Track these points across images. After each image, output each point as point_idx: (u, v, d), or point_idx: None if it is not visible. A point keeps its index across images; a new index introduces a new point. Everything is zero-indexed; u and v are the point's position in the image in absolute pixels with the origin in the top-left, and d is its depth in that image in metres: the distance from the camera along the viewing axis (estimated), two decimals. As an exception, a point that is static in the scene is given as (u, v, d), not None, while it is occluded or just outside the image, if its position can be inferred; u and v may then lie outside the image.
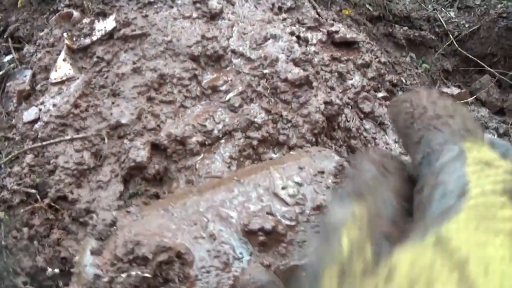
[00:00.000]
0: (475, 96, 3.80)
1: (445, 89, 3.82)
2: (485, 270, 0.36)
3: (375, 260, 0.44)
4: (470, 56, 3.95)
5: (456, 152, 0.49)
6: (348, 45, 3.28)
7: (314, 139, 2.64)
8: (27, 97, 2.74)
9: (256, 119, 2.57)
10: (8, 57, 2.99)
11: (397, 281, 0.39)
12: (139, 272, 1.01)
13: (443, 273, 0.37)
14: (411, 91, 0.67)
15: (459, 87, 3.92)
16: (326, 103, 2.71)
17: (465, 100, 3.75)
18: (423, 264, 0.39)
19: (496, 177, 0.44)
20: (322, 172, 1.87)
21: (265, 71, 2.72)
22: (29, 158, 2.45)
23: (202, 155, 2.52)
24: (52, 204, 2.39)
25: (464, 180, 0.44)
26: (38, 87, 2.72)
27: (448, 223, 0.41)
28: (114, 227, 1.24)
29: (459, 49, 3.97)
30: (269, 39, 2.86)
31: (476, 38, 4.01)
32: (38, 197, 2.39)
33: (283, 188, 1.34)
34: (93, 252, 1.06)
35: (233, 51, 2.80)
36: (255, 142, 2.56)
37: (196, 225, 1.25)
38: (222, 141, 2.56)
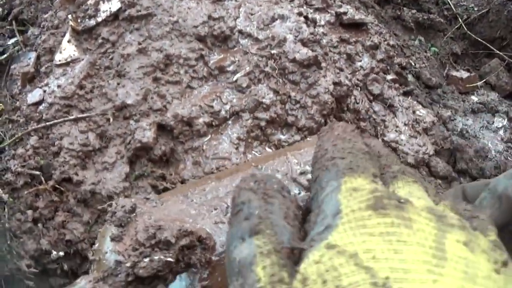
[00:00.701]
0: (484, 80, 3.76)
1: (454, 73, 3.78)
2: (373, 257, 0.47)
3: (291, 281, 0.50)
4: (479, 39, 3.91)
5: (334, 187, 0.56)
6: (357, 26, 3.24)
7: (323, 120, 2.61)
8: (31, 79, 2.71)
9: (264, 100, 2.54)
10: (12, 40, 2.96)
11: (311, 281, 0.48)
12: (162, 257, 0.97)
13: (343, 266, 0.47)
14: (327, 129, 0.75)
15: (468, 70, 3.88)
16: (335, 83, 2.67)
17: (474, 84, 3.71)
18: (326, 264, 0.47)
19: (361, 198, 0.52)
20: None
21: (273, 51, 2.69)
22: (33, 140, 2.42)
23: (209, 136, 2.49)
24: (57, 186, 2.37)
25: (337, 204, 0.53)
26: (42, 69, 2.69)
27: (331, 235, 0.50)
28: (134, 214, 1.20)
29: (468, 32, 3.92)
30: (276, 19, 2.82)
31: (485, 22, 3.96)
32: (43, 179, 2.36)
33: (301, 173, 1.31)
34: (113, 239, 1.03)
35: (240, 32, 2.76)
36: (263, 123, 2.52)
37: (216, 210, 1.22)
38: (230, 122, 2.53)
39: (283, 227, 0.56)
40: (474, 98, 3.67)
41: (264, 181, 0.63)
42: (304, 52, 2.66)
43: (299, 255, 0.53)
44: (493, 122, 3.47)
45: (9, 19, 3.08)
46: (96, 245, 0.87)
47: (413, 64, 3.57)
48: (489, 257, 0.51)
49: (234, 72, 2.63)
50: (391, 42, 3.41)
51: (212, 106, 2.51)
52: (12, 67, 2.81)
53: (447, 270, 0.47)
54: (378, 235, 0.48)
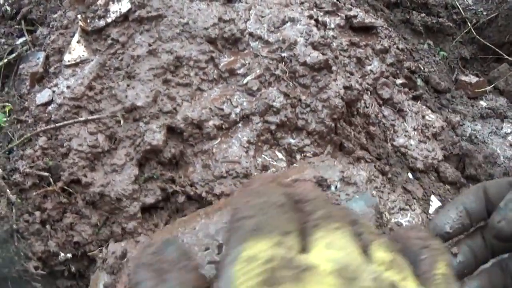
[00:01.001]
0: (493, 85, 3.75)
1: (463, 77, 3.77)
2: None
3: None
4: (488, 44, 3.90)
5: (233, 255, 0.51)
6: (367, 30, 3.23)
7: (333, 124, 2.59)
8: (40, 79, 2.70)
9: (274, 103, 2.53)
10: (21, 40, 2.94)
11: None
12: None
13: None
14: (246, 183, 0.70)
15: (477, 75, 3.88)
16: (345, 87, 2.66)
17: (483, 89, 3.70)
18: None
19: (256, 271, 0.47)
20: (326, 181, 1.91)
21: (283, 54, 2.67)
22: (42, 140, 2.41)
23: (219, 139, 2.47)
24: (65, 187, 2.35)
25: (230, 279, 0.48)
26: (51, 70, 2.68)
27: None
28: (125, 259, 1.17)
29: (477, 37, 3.91)
30: (287, 22, 2.80)
31: (494, 26, 3.95)
32: (51, 180, 2.35)
33: None
34: (106, 287, 1.00)
35: (251, 34, 2.74)
36: (273, 127, 2.51)
37: (208, 250, 1.19)
38: (240, 125, 2.52)
39: None
40: (483, 103, 3.66)
41: (161, 251, 0.60)
42: (314, 56, 2.64)
43: None
44: (502, 128, 3.46)
45: (17, 19, 3.06)
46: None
47: (422, 68, 3.56)
48: None
49: (245, 75, 2.61)
50: (400, 46, 3.40)
51: (222, 109, 2.50)
52: (21, 67, 2.79)
53: None
54: None
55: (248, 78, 2.60)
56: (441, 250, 0.57)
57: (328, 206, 0.58)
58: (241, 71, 2.63)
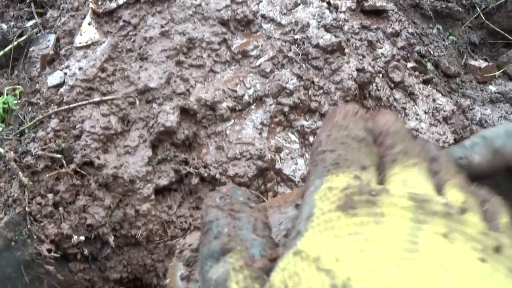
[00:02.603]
0: (502, 69, 3.73)
1: (472, 62, 3.76)
2: (336, 259, 0.45)
3: None
4: (497, 29, 3.88)
5: (315, 186, 0.53)
6: (378, 13, 3.21)
7: (346, 107, 2.58)
8: (50, 61, 2.68)
9: (287, 85, 2.52)
10: (31, 22, 2.92)
11: None
12: None
13: (305, 271, 0.45)
14: (329, 114, 0.67)
15: (486, 60, 3.86)
16: (358, 70, 2.65)
17: (492, 74, 3.68)
18: (289, 270, 0.47)
19: (333, 198, 0.50)
20: None
21: (296, 36, 2.66)
22: (54, 122, 2.39)
23: (232, 120, 2.46)
24: (78, 169, 2.34)
25: (311, 206, 0.51)
26: (62, 52, 2.66)
27: (300, 240, 0.48)
28: None
29: (486, 22, 3.89)
30: (299, 4, 2.79)
31: (503, 11, 3.93)
32: (64, 162, 2.33)
33: None
34: (183, 278, 0.98)
35: (263, 16, 2.73)
36: (286, 109, 2.50)
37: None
38: (253, 106, 2.51)
39: (253, 241, 0.55)
40: (492, 88, 3.65)
41: (229, 195, 0.61)
42: (327, 38, 2.63)
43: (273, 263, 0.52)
44: (511, 113, 3.45)
45: (27, 1, 3.04)
46: (167, 280, 0.83)
47: (431, 52, 3.54)
48: (476, 244, 0.48)
49: (257, 57, 2.60)
50: (410, 30, 3.39)
51: (235, 91, 2.49)
52: (31, 49, 2.77)
53: (417, 262, 0.45)
54: (345, 236, 0.47)
55: (261, 60, 2.59)
56: (502, 203, 0.57)
57: (407, 141, 0.58)
58: (254, 53, 2.61)
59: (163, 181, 2.35)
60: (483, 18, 3.89)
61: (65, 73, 2.53)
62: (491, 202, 0.56)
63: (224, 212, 0.59)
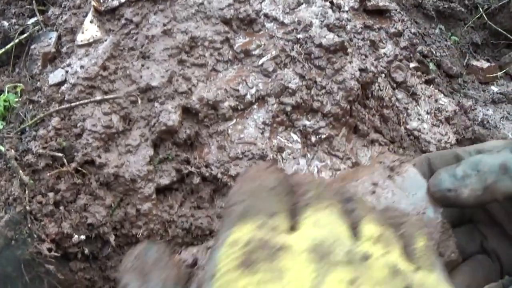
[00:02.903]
0: (504, 70, 3.73)
1: (474, 62, 3.75)
2: None
3: None
4: (499, 29, 3.88)
5: (221, 240, 0.52)
6: (380, 13, 3.20)
7: (348, 107, 2.58)
8: (52, 59, 2.67)
9: (290, 85, 2.51)
10: (33, 20, 2.91)
11: None
12: None
13: None
14: (243, 172, 0.68)
15: (488, 60, 3.86)
16: (361, 70, 2.64)
17: (494, 74, 3.68)
18: None
19: (234, 254, 0.48)
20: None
21: (298, 36, 2.65)
22: (55, 121, 2.38)
23: (234, 120, 2.46)
24: (79, 168, 2.33)
25: (215, 264, 0.49)
26: (63, 50, 2.65)
27: None
28: (196, 267, 1.13)
29: (489, 22, 3.89)
30: (302, 3, 2.78)
31: (506, 12, 3.93)
32: (65, 161, 2.32)
33: None
34: None
35: (266, 15, 2.72)
36: (288, 108, 2.50)
37: None
38: (255, 106, 2.50)
39: None
40: (494, 88, 3.65)
41: (142, 255, 0.61)
42: (330, 37, 2.62)
43: None
44: (514, 113, 3.45)
45: (28, -1, 3.03)
46: None
47: (434, 52, 3.54)
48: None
49: (260, 56, 2.59)
50: (413, 30, 3.38)
51: (237, 90, 2.48)
52: (32, 47, 2.76)
53: None
54: None
55: (264, 59, 2.58)
56: (419, 225, 0.57)
57: (320, 187, 0.58)
58: (256, 52, 2.61)
59: (165, 181, 2.34)
60: (486, 18, 3.89)
61: (67, 71, 2.52)
62: (407, 224, 0.57)
63: (135, 275, 0.59)
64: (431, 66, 3.43)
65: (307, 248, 0.48)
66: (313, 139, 2.53)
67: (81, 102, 2.39)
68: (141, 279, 0.58)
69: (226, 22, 2.66)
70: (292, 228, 0.52)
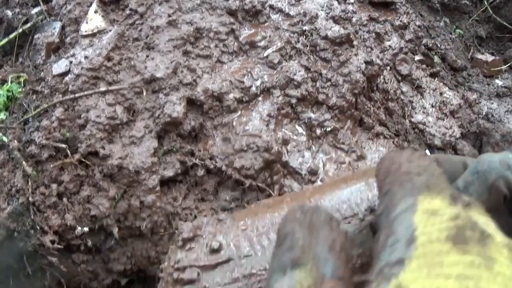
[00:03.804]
0: (509, 64, 3.72)
1: (479, 56, 3.74)
2: None
3: None
4: (504, 23, 3.86)
5: (409, 204, 0.51)
6: (386, 5, 3.19)
7: (353, 99, 2.56)
8: (56, 49, 2.65)
9: (295, 77, 2.49)
10: (36, 9, 2.89)
11: None
12: None
13: None
14: (397, 150, 0.66)
15: (492, 54, 3.84)
16: (367, 62, 2.62)
17: (499, 68, 3.67)
18: None
19: (440, 225, 0.47)
20: None
21: (304, 27, 2.64)
22: (59, 111, 2.36)
23: (239, 112, 2.44)
24: (83, 159, 2.31)
25: (411, 228, 0.48)
26: (67, 40, 2.63)
27: (403, 272, 0.44)
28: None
29: (494, 15, 3.88)
30: (307, -5, 2.76)
31: (511, 5, 3.92)
32: (68, 152, 2.31)
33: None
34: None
35: (272, 7, 2.70)
36: (293, 100, 2.48)
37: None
38: (260, 98, 2.48)
39: (326, 260, 0.53)
40: (499, 82, 3.63)
41: (311, 212, 0.60)
42: (336, 30, 2.61)
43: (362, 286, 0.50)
44: (518, 107, 3.43)
45: (32, -12, 3.01)
46: (165, 264, 0.81)
47: (438, 45, 3.52)
48: None
49: (265, 48, 2.58)
50: (418, 23, 3.36)
51: (242, 82, 2.46)
52: (36, 37, 2.75)
53: None
54: (455, 278, 0.43)
55: (269, 51, 2.56)
56: None
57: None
58: (261, 43, 2.59)
59: (169, 173, 2.32)
60: (491, 11, 3.88)
61: (71, 62, 2.50)
62: None
63: (302, 227, 0.57)
64: (436, 59, 3.42)
65: (505, 244, 0.47)
66: (318, 131, 2.52)
67: (85, 93, 2.37)
68: (308, 232, 0.57)
69: (232, 13, 2.64)
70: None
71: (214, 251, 0.78)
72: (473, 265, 0.43)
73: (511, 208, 0.70)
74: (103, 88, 2.38)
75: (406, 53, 3.06)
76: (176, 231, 0.82)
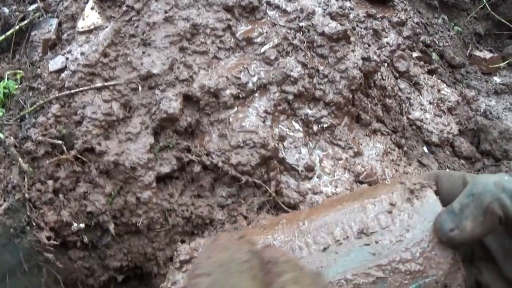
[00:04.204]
0: (507, 61, 3.71)
1: (477, 53, 3.74)
2: None
3: None
4: (502, 20, 3.86)
5: None
6: (383, 2, 3.19)
7: (351, 96, 2.56)
8: (52, 46, 2.65)
9: (292, 73, 2.49)
10: (33, 6, 2.88)
11: None
12: None
13: None
14: (212, 238, 0.65)
15: (490, 51, 3.84)
16: (364, 59, 2.62)
17: (497, 65, 3.66)
18: None
19: None
20: None
21: (301, 24, 2.63)
22: (55, 108, 2.36)
23: (235, 108, 2.44)
24: (79, 156, 2.31)
25: None
26: (64, 36, 2.63)
27: None
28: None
29: (492, 13, 3.87)
30: (304, -9, 2.76)
31: (509, 3, 3.92)
32: (64, 148, 2.30)
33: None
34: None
35: (268, 3, 2.70)
36: (290, 97, 2.48)
37: None
38: (257, 94, 2.48)
39: None
40: (497, 79, 3.63)
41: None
42: (333, 26, 2.60)
43: None
44: (516, 104, 3.43)
45: (29, -15, 3.01)
46: (164, 283, 0.82)
47: (436, 42, 3.52)
48: None
49: (262, 44, 2.57)
50: (416, 20, 3.36)
51: (239, 78, 2.46)
52: (32, 33, 2.74)
53: None
54: None
55: (266, 47, 2.56)
56: None
57: (297, 270, 0.56)
58: (258, 40, 2.59)
59: (165, 169, 2.32)
60: (489, 9, 3.88)
61: (67, 58, 2.50)
62: None
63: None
64: (434, 56, 3.42)
65: None
66: (315, 128, 2.52)
67: (81, 89, 2.37)
68: None
69: (228, 9, 2.64)
70: None
71: None
72: None
73: (507, 229, 0.70)
74: (99, 84, 2.38)
75: (403, 50, 3.06)
76: (174, 252, 0.82)
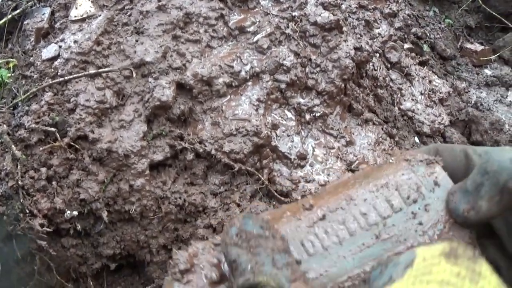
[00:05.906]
0: (498, 54, 3.73)
1: (468, 45, 3.75)
2: None
3: None
4: (493, 13, 3.87)
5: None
6: (375, -7, 3.20)
7: (343, 85, 2.57)
8: (45, 35, 2.65)
9: (284, 62, 2.50)
10: (26, -5, 2.89)
11: None
12: None
13: None
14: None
15: (481, 44, 3.86)
16: (356, 48, 2.63)
17: (488, 57, 3.68)
18: None
19: (436, 248, 0.51)
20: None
21: (294, 13, 2.64)
22: (48, 96, 2.36)
23: (228, 96, 2.44)
24: (72, 143, 2.31)
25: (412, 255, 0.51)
26: (57, 25, 2.63)
27: (393, 283, 0.48)
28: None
29: (483, 5, 3.88)
30: (297, -19, 2.76)
31: (501, -4, 3.93)
32: (58, 136, 2.30)
33: None
34: None
35: (261, -8, 2.71)
36: (283, 86, 2.49)
37: None
38: (250, 83, 2.49)
39: (276, 274, 0.57)
40: (488, 71, 3.65)
41: (243, 230, 0.62)
42: (325, 16, 2.61)
43: None
44: (507, 96, 3.45)
45: (21, -25, 3.00)
46: None
47: (428, 34, 3.54)
48: None
49: (255, 33, 2.58)
50: (407, 11, 3.38)
51: (232, 66, 2.47)
52: (25, 22, 2.74)
53: None
54: (436, 282, 0.45)
55: (259, 36, 2.57)
56: None
57: None
58: (251, 29, 2.59)
59: (158, 156, 2.33)
60: (480, 1, 3.89)
61: (60, 46, 2.50)
62: None
63: (243, 249, 0.61)
64: (425, 48, 3.43)
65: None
66: (308, 116, 2.53)
67: (75, 76, 2.37)
68: (250, 253, 0.60)
69: (221, -2, 2.65)
70: None
71: (215, 283, 0.74)
72: (458, 276, 0.45)
73: (507, 223, 0.69)
74: (92, 71, 2.38)
75: (395, 41, 3.07)
76: (170, 261, 0.79)
